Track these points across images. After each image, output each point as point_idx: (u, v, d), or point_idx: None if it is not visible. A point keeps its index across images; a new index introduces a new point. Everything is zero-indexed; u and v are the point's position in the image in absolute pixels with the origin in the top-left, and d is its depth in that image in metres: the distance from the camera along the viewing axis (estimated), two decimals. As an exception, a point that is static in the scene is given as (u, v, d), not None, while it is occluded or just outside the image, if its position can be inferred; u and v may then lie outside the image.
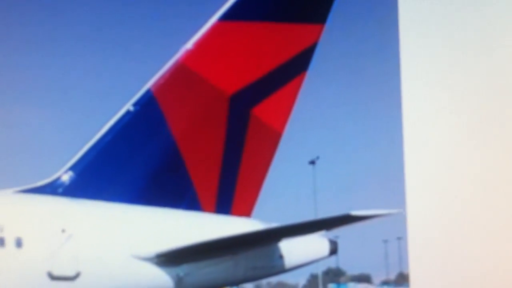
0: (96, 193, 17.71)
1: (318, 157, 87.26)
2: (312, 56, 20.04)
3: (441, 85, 4.48)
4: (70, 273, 16.23)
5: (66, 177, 17.74)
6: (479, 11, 4.45)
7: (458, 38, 4.49)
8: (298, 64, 19.86)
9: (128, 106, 18.22)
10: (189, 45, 18.50)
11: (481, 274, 4.17)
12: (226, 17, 18.67)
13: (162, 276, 17.21)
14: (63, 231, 16.31)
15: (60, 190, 17.54)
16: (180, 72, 18.40)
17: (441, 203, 4.39)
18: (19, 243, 15.95)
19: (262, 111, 19.47)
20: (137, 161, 18.35)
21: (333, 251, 19.73)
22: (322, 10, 19.73)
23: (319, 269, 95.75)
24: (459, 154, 4.37)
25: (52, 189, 17.48)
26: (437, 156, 4.46)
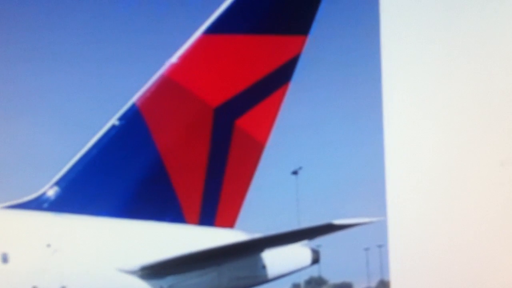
0: (82, 207, 17.75)
1: (300, 167, 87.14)
2: (296, 67, 20.09)
3: (423, 94, 4.47)
4: (55, 287, 16.27)
5: (51, 192, 17.75)
6: (462, 15, 4.47)
7: (441, 42, 4.48)
8: (282, 75, 19.93)
9: (114, 120, 18.30)
10: (174, 58, 18.60)
11: (462, 281, 4.14)
12: (210, 30, 18.77)
13: None
14: (48, 246, 16.35)
15: (45, 205, 17.56)
16: (165, 86, 18.48)
17: (422, 210, 4.35)
18: (5, 259, 15.96)
19: (246, 122, 19.53)
20: (122, 176, 18.38)
21: (315, 260, 19.81)
22: (305, 22, 19.80)
23: (301, 278, 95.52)
24: (440, 163, 4.35)
25: (37, 204, 17.50)
26: (418, 164, 4.43)
